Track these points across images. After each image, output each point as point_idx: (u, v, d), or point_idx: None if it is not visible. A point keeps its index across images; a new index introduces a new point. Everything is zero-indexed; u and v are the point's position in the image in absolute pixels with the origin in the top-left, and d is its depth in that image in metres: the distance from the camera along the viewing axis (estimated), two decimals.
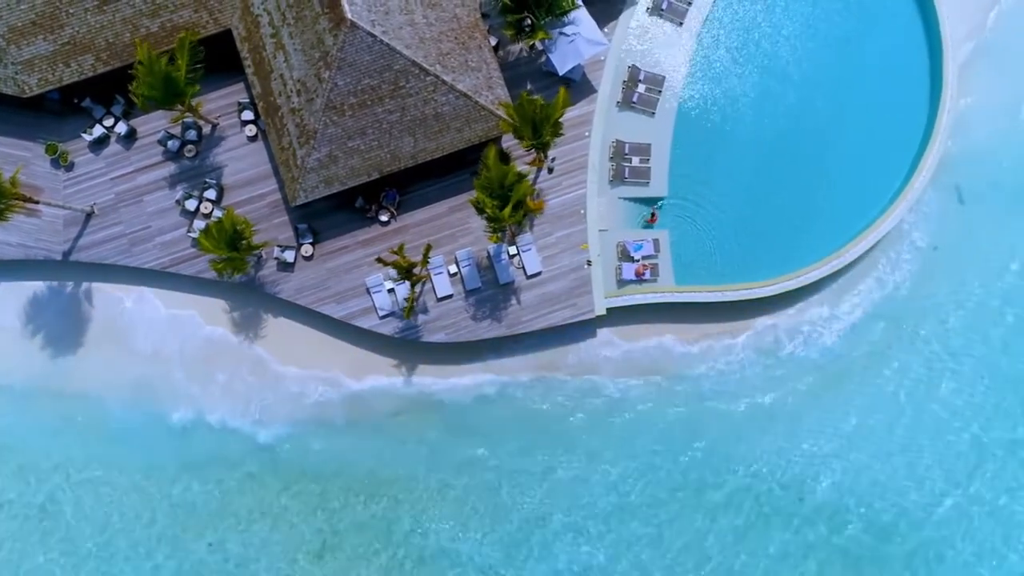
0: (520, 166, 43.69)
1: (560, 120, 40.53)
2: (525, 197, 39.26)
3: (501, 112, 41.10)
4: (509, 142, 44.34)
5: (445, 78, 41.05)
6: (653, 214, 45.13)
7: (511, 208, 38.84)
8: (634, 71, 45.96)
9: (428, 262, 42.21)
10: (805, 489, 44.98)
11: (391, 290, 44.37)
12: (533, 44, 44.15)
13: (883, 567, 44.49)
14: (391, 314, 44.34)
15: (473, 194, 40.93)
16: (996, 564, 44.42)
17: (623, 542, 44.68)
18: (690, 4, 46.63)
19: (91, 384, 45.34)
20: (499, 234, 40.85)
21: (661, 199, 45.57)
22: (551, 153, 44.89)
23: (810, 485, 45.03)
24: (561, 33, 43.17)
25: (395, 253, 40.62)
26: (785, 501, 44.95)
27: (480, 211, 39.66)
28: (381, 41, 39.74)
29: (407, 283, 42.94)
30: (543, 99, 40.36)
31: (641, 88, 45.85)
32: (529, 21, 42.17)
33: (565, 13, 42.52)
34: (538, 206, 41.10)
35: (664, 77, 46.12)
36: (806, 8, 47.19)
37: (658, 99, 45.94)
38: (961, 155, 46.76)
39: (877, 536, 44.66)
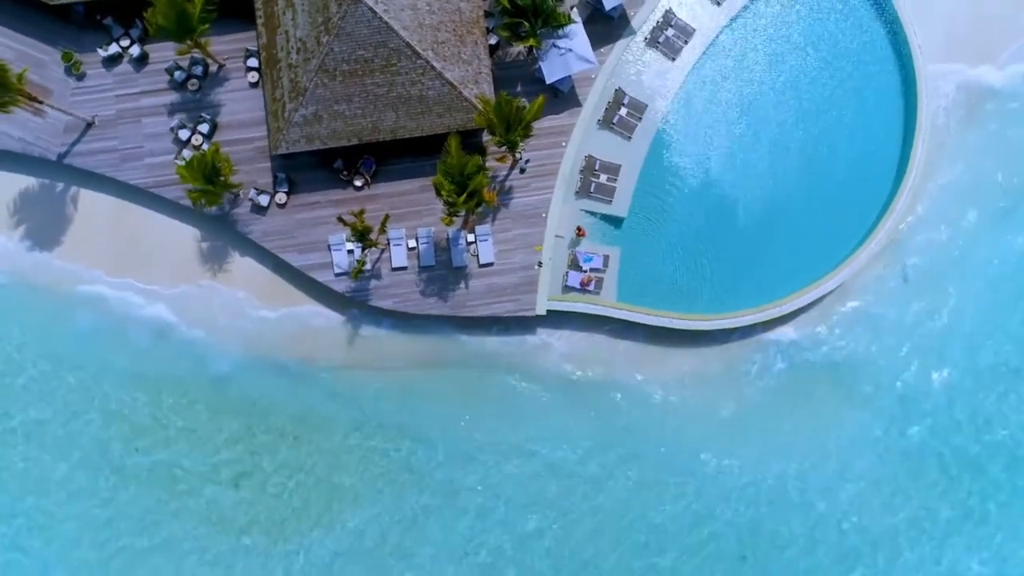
0: (491, 161, 46.13)
1: (532, 124, 42.95)
2: (481, 188, 41.66)
3: (480, 105, 43.54)
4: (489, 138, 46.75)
5: (435, 64, 43.62)
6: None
7: (466, 196, 41.31)
8: (619, 94, 48.24)
9: (386, 231, 44.80)
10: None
11: (351, 251, 46.94)
12: (531, 50, 46.52)
13: None
14: (345, 273, 46.92)
15: None
16: None
17: (519, 513, 47.45)
18: (686, 43, 48.81)
19: (62, 281, 48.02)
20: (454, 218, 43.30)
21: (620, 218, 47.84)
22: (526, 155, 47.34)
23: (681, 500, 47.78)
24: (554, 44, 45.61)
25: (354, 215, 43.18)
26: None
27: (438, 193, 42.16)
28: (380, 18, 42.42)
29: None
30: (520, 102, 42.80)
31: (623, 111, 48.13)
32: (525, 27, 44.52)
33: (561, 26, 44.91)
34: (491, 198, 43.49)
35: (647, 105, 48.35)
36: (794, 69, 49.28)
37: (637, 125, 48.19)
38: (914, 235, 48.71)
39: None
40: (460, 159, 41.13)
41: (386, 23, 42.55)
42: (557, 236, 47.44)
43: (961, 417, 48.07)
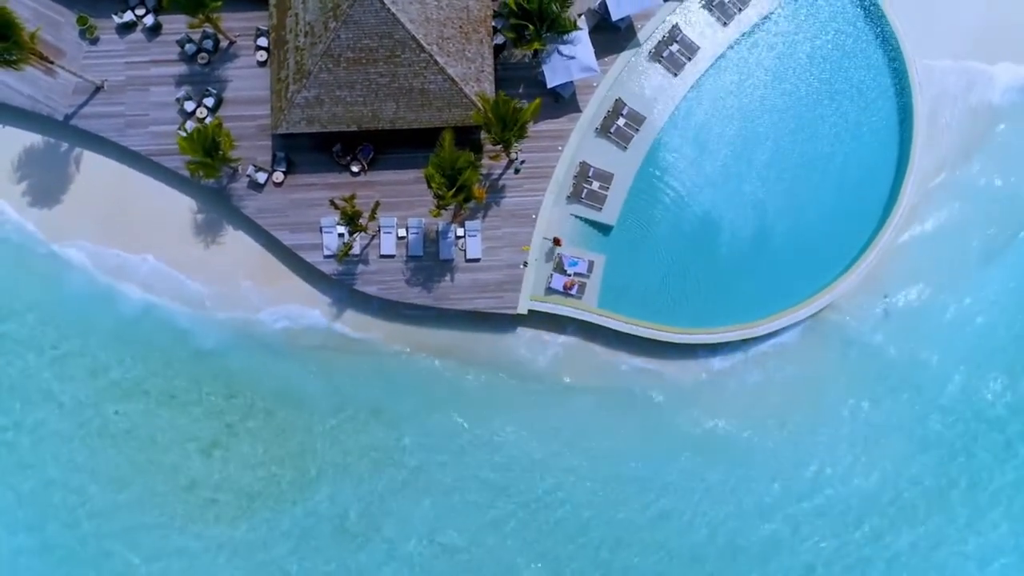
0: (486, 159, 46.88)
1: (527, 125, 43.66)
2: (471, 184, 42.40)
3: (479, 103, 44.29)
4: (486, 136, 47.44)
5: (438, 59, 44.39)
6: (556, 239, 47.98)
7: (455, 190, 42.07)
8: (619, 104, 48.90)
9: (376, 218, 45.52)
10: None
11: (341, 234, 47.72)
12: (535, 53, 47.23)
13: None
14: (334, 256, 47.68)
15: None
16: None
17: (485, 500, 48.32)
18: (689, 59, 49.46)
19: (54, 240, 48.97)
20: (442, 211, 44.04)
21: (608, 226, 48.52)
22: (522, 155, 48.06)
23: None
24: (558, 50, 46.32)
25: (345, 200, 43.96)
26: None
27: (429, 185, 42.94)
28: (388, 9, 43.24)
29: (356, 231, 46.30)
30: (518, 102, 43.58)
31: (621, 121, 48.80)
32: (530, 30, 45.22)
33: (566, 32, 45.60)
34: (480, 195, 44.23)
35: (645, 118, 49.00)
36: (795, 92, 49.99)
37: (634, 136, 48.85)
38: (896, 271, 49.31)
39: None
40: (452, 154, 41.87)
41: (393, 14, 43.36)
42: (545, 238, 48.15)
43: (943, 439, 49.01)
